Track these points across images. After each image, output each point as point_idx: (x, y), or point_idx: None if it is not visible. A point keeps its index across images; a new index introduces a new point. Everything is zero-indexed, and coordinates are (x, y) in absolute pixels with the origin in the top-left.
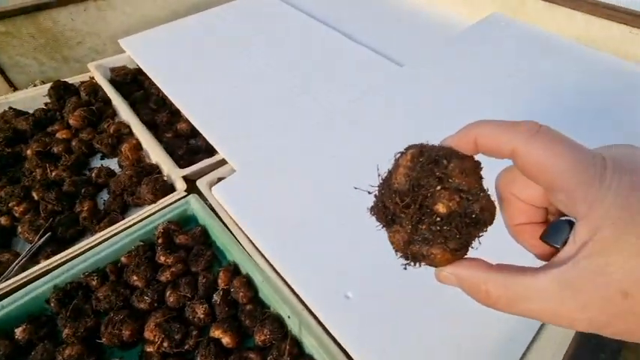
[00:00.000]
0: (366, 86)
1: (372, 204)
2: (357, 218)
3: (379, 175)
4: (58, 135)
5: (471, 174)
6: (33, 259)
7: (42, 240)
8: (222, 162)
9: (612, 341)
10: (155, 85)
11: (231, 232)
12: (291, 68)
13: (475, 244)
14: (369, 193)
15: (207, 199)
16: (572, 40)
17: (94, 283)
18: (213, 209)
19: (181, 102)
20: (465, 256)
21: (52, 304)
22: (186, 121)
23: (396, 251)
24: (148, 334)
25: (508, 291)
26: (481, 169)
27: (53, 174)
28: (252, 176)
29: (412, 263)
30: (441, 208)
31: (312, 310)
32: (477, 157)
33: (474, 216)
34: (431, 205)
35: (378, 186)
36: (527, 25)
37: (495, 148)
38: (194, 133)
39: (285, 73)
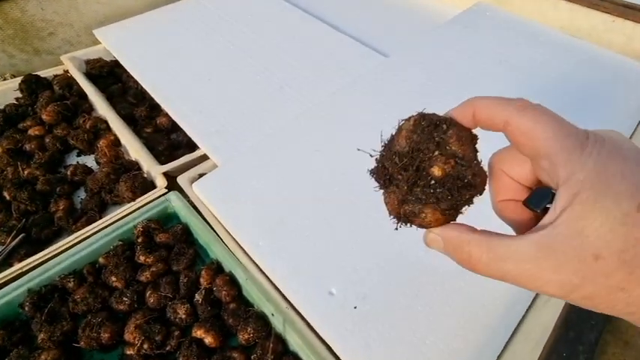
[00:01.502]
0: (350, 77)
1: (374, 166)
2: (341, 214)
3: (382, 141)
4: (31, 131)
5: (467, 143)
6: (5, 262)
7: (15, 242)
8: (204, 157)
9: (591, 333)
10: (133, 77)
11: (213, 229)
12: (274, 60)
13: (464, 210)
14: (371, 156)
15: (188, 196)
16: (556, 29)
17: (71, 285)
18: (194, 206)
19: (161, 95)
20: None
21: (27, 309)
22: (167, 115)
23: (390, 212)
24: (127, 337)
25: (489, 252)
26: (477, 140)
27: (25, 172)
28: (234, 172)
29: (404, 223)
30: (436, 171)
31: (297, 308)
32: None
33: (466, 180)
34: (427, 168)
35: (380, 150)
36: (512, 15)
37: (490, 119)
38: (175, 127)
39: (268, 65)
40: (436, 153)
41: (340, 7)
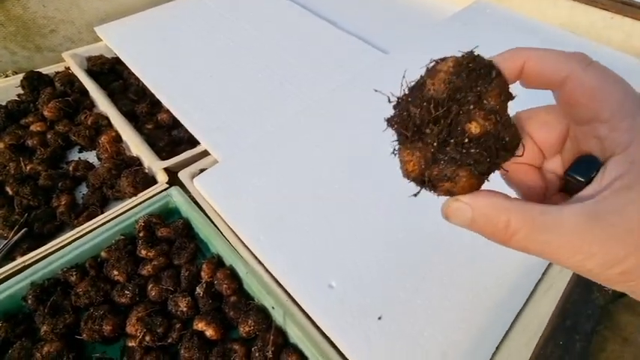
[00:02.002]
0: (350, 74)
1: (393, 114)
2: (341, 209)
3: (403, 85)
4: (33, 127)
5: (506, 99)
6: (8, 256)
7: (17, 236)
8: (205, 153)
9: (587, 323)
10: (134, 74)
11: (214, 224)
12: (274, 57)
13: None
14: (389, 101)
15: (189, 191)
16: (555, 26)
17: (73, 278)
18: (195, 201)
19: (162, 92)
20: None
21: (29, 302)
22: (168, 111)
23: (408, 174)
24: (129, 329)
25: (534, 221)
26: (513, 98)
27: (28, 168)
28: (235, 167)
29: (428, 188)
30: (474, 127)
31: (297, 301)
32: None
33: (504, 142)
34: (463, 122)
35: (402, 95)
36: (512, 12)
37: (547, 73)
38: (176, 123)
39: (268, 63)
40: (472, 106)
41: (340, 4)
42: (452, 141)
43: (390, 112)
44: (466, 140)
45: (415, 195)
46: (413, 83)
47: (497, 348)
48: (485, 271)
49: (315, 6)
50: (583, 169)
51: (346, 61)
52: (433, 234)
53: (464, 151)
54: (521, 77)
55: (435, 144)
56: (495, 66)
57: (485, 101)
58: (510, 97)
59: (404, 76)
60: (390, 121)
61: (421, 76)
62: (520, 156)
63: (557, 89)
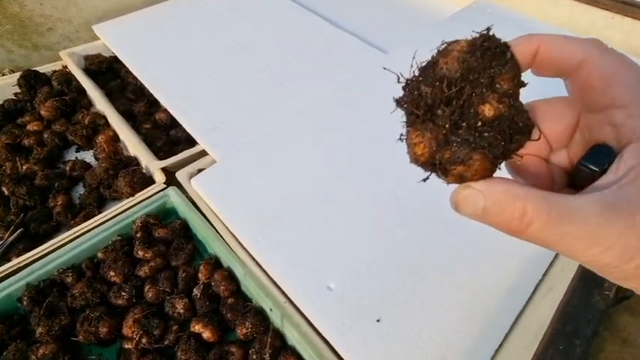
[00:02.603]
0: (350, 74)
1: (402, 94)
2: (340, 210)
3: (414, 65)
4: (29, 127)
5: (518, 85)
6: (4, 257)
7: (13, 236)
8: (203, 153)
9: (587, 327)
10: (132, 73)
11: (211, 224)
12: (274, 57)
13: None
14: (398, 81)
15: (187, 192)
16: (555, 26)
17: (69, 279)
18: (193, 202)
19: (160, 91)
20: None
21: (25, 303)
22: (166, 111)
23: (417, 158)
24: (126, 331)
25: (551, 210)
26: (525, 85)
27: (24, 168)
28: (233, 167)
29: (438, 172)
30: (487, 109)
31: (295, 302)
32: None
33: (518, 126)
34: (476, 105)
35: (413, 77)
36: (512, 11)
37: (562, 57)
38: (174, 123)
39: (268, 62)
40: (485, 89)
41: (340, 4)
42: (464, 124)
43: (389, 115)
44: (479, 123)
45: (425, 180)
46: (424, 63)
47: (496, 351)
48: (485, 271)
49: (316, 6)
50: (597, 159)
51: (346, 61)
52: (433, 234)
53: (477, 134)
54: (534, 63)
55: (447, 125)
56: (510, 47)
57: (498, 85)
58: (523, 83)
59: (414, 57)
60: (399, 101)
61: (432, 55)
62: (537, 139)
63: (571, 75)
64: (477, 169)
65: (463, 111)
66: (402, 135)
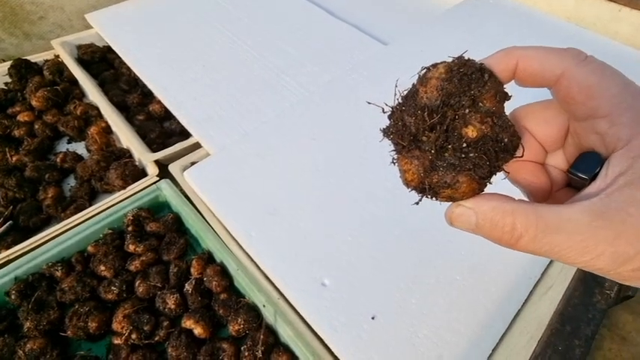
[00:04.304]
0: (348, 65)
1: (388, 124)
2: (336, 205)
3: (397, 94)
4: (20, 117)
5: (502, 100)
6: None
7: (2, 229)
8: (197, 145)
9: (587, 327)
10: (126, 64)
11: (205, 218)
12: (270, 47)
13: (493, 179)
14: (384, 111)
15: (180, 185)
16: (561, 18)
17: (59, 273)
18: (186, 195)
19: (153, 82)
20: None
21: (13, 297)
22: (160, 102)
23: (408, 183)
24: (115, 326)
25: (539, 221)
26: (509, 99)
27: (14, 159)
28: (227, 160)
29: (429, 196)
30: (470, 131)
31: (288, 299)
32: None
33: (503, 144)
34: (459, 127)
35: (396, 105)
36: (516, 3)
37: (541, 71)
38: (168, 115)
39: (263, 52)
40: (468, 111)
41: None
42: (450, 147)
43: (387, 109)
44: (464, 145)
45: (417, 203)
46: (406, 92)
47: (493, 350)
48: (483, 269)
49: None
50: (586, 166)
51: (344, 51)
52: (429, 231)
53: (462, 156)
54: (515, 77)
55: (432, 151)
56: (487, 68)
57: (480, 104)
58: (506, 97)
59: (396, 86)
60: (385, 132)
61: (413, 84)
62: (520, 157)
63: (553, 86)
64: (465, 191)
65: (448, 135)
66: (393, 159)
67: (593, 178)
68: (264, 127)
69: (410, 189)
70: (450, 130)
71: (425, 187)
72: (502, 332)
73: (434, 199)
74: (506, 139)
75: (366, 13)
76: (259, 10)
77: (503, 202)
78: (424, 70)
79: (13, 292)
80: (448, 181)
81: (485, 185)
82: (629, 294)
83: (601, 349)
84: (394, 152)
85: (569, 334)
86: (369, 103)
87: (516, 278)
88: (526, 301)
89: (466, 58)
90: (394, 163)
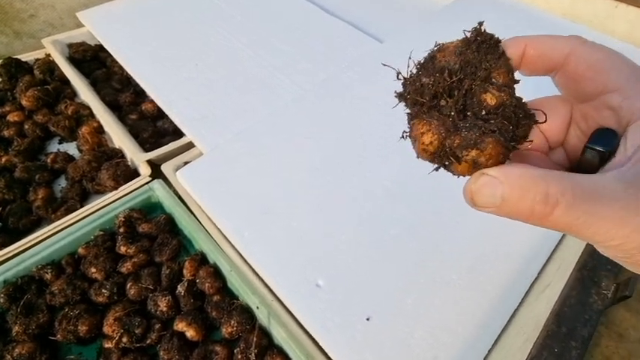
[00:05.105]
0: (344, 63)
1: (404, 88)
2: (331, 204)
3: (409, 66)
4: (9, 117)
5: (513, 81)
6: None
7: None
8: (190, 145)
9: (584, 328)
10: (118, 62)
11: (197, 219)
12: (264, 45)
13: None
14: (398, 77)
15: (173, 185)
16: (558, 15)
17: (49, 276)
18: (179, 196)
19: (146, 81)
20: None
21: (1, 300)
22: (152, 101)
23: (424, 150)
24: (106, 329)
25: (575, 186)
26: (518, 82)
27: (3, 159)
28: (220, 160)
29: (448, 161)
30: (489, 98)
31: (282, 300)
32: None
33: (522, 112)
34: (478, 95)
35: (414, 69)
36: (512, 1)
37: (549, 53)
38: (161, 114)
39: (258, 50)
40: (482, 82)
41: None
42: (469, 113)
43: (385, 106)
44: (484, 112)
45: (436, 169)
46: (422, 60)
47: (489, 351)
48: (479, 269)
49: None
50: (604, 140)
51: (340, 49)
52: (426, 232)
53: (484, 121)
54: (522, 63)
55: (452, 113)
56: (500, 41)
57: (494, 79)
58: (516, 81)
59: (410, 57)
60: (402, 95)
61: (429, 53)
62: (543, 122)
63: (560, 69)
64: (491, 153)
65: (466, 101)
66: (404, 132)
67: (612, 153)
68: (258, 126)
69: (426, 156)
70: (469, 97)
71: (446, 151)
72: (498, 333)
73: (454, 166)
74: (523, 112)
75: (362, 10)
76: (254, 7)
77: (531, 168)
78: (439, 45)
79: (2, 295)
80: (474, 140)
81: (510, 152)
82: (625, 294)
83: (598, 345)
84: (409, 119)
85: (566, 335)
86: (385, 65)
87: (513, 278)
88: (523, 300)
89: (482, 28)
90: (404, 138)
